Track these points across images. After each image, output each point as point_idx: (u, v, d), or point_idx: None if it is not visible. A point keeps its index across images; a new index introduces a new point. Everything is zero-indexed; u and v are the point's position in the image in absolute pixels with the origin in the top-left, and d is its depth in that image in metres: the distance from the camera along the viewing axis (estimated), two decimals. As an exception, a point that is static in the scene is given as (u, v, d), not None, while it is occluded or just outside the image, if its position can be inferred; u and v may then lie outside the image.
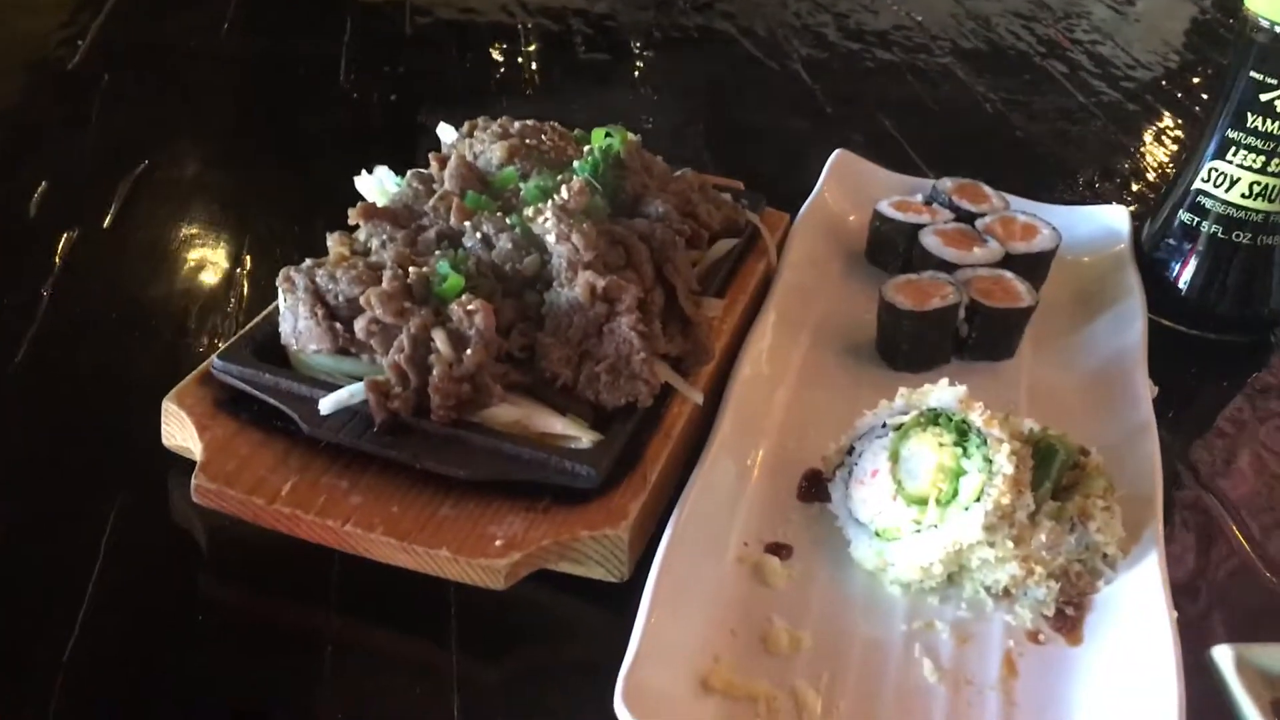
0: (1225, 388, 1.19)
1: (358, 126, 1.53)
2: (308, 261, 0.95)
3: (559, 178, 1.05)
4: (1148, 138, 1.73)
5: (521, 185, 1.05)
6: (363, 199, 1.12)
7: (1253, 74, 1.12)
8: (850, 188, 1.34)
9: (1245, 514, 1.00)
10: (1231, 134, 1.15)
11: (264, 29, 1.83)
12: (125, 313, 1.12)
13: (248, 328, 0.97)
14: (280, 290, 0.94)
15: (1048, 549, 0.83)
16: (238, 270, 1.20)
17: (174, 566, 0.86)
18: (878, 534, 0.86)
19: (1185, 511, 0.99)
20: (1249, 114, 1.13)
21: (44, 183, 1.31)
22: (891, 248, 1.23)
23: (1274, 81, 1.10)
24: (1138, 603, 0.82)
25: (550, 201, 0.97)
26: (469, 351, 0.88)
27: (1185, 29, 2.20)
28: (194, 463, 0.86)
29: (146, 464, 0.92)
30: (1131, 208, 1.45)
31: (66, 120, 1.48)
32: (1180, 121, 1.79)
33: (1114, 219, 1.30)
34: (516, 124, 1.17)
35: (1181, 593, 0.86)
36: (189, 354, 0.97)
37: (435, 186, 1.06)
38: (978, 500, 0.81)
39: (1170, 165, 1.62)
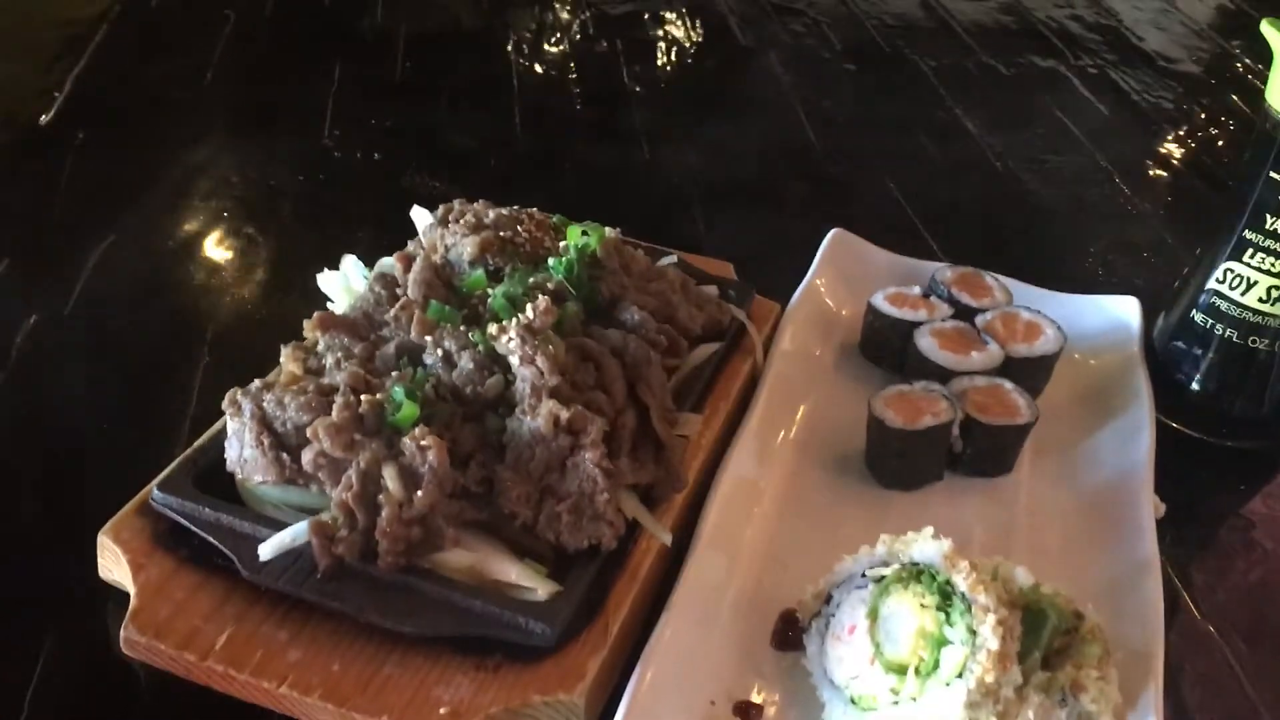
0: (1237, 498, 1.12)
1: (338, 193, 1.47)
2: (256, 383, 0.90)
3: (530, 280, 1.00)
4: (1168, 205, 1.66)
5: (490, 290, 0.99)
6: (326, 298, 1.07)
7: (1273, 174, 1.05)
8: (846, 272, 1.27)
9: (1256, 662, 0.93)
10: (1249, 234, 1.08)
11: (248, 76, 1.78)
12: (74, 416, 1.07)
13: (191, 450, 0.92)
14: (227, 414, 0.89)
15: (1036, 724, 0.77)
16: (199, 366, 1.15)
17: (106, 717, 0.81)
18: (854, 701, 0.80)
19: (1188, 658, 0.93)
20: (1268, 215, 1.06)
21: (5, 259, 1.27)
22: (886, 345, 1.17)
23: (1295, 184, 1.03)
24: (1133, 781, 0.76)
25: (515, 319, 0.91)
26: (420, 492, 0.82)
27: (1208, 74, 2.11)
28: (129, 599, 0.81)
29: (80, 597, 0.87)
30: (1149, 284, 1.39)
31: (35, 185, 1.42)
32: (1203, 185, 1.71)
33: (1124, 311, 1.23)
34: (492, 212, 1.11)
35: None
36: (137, 473, 0.91)
37: (399, 291, 1.01)
38: (960, 676, 0.75)
39: (1189, 235, 1.54)
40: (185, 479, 0.88)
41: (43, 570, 0.92)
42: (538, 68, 1.90)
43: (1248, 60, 2.12)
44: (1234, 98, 1.99)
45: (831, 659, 0.82)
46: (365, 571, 0.82)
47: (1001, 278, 1.23)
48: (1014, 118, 1.85)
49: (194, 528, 0.85)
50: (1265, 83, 1.05)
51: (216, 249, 1.34)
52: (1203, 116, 1.92)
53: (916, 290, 1.20)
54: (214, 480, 0.89)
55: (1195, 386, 1.16)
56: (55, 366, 1.13)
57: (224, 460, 0.89)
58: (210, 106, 1.67)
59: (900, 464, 1.03)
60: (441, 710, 0.76)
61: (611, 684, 0.82)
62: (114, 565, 0.86)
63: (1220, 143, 1.84)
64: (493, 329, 0.91)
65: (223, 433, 0.91)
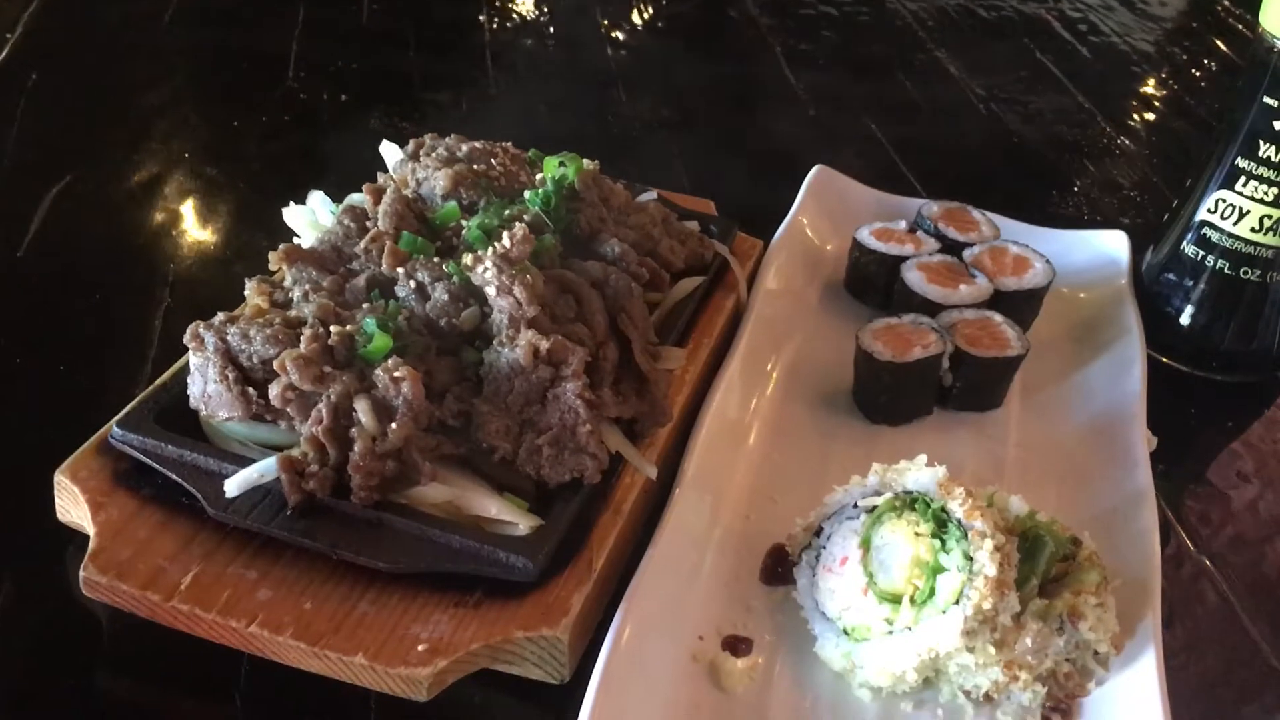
0: (1229, 432, 1.11)
1: (303, 134, 1.42)
2: (219, 316, 0.85)
3: (506, 213, 0.96)
4: (1151, 142, 1.63)
5: (464, 223, 0.95)
6: (292, 235, 1.03)
7: (1266, 99, 1.02)
8: (830, 209, 1.24)
9: (1250, 589, 0.91)
10: (1241, 163, 1.05)
11: (209, 19, 1.71)
12: (32, 358, 1.03)
13: (152, 388, 0.87)
14: (189, 349, 0.85)
15: (1034, 652, 0.75)
16: (162, 306, 1.10)
17: (66, 662, 0.78)
18: (846, 632, 0.77)
19: (1184, 588, 0.91)
20: (1261, 142, 1.03)
21: (-44, 201, 1.22)
22: (872, 281, 1.14)
23: (1290, 109, 1.00)
24: (1132, 709, 0.75)
25: (491, 249, 0.87)
26: (394, 425, 0.79)
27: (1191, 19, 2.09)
28: (90, 539, 0.77)
29: (40, 540, 0.83)
30: (1135, 222, 1.37)
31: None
32: (1187, 124, 1.69)
33: (1113, 246, 1.21)
34: (465, 146, 1.07)
35: (1179, 689, 0.78)
36: (95, 416, 0.87)
37: (369, 224, 0.97)
38: (956, 603, 0.73)
39: (1174, 173, 1.52)
40: (146, 416, 0.84)
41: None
42: (509, 8, 1.84)
43: (1227, 3, 2.10)
44: (1216, 41, 1.96)
45: (823, 591, 0.80)
46: (337, 508, 0.79)
47: (989, 213, 1.20)
48: (996, 61, 1.82)
49: (156, 465, 0.81)
50: (1249, 23, 1.02)
51: (177, 190, 1.29)
52: (1184, 58, 1.90)
53: (902, 225, 1.17)
54: (177, 418, 0.84)
55: (1185, 321, 1.13)
56: (8, 310, 1.08)
57: (187, 397, 0.85)
58: (169, 49, 1.61)
59: (889, 399, 1.00)
60: (420, 647, 0.73)
61: (596, 620, 0.79)
62: (72, 505, 0.82)
63: (1203, 84, 1.82)
64: (468, 259, 0.87)
65: (185, 369, 0.86)
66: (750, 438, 0.98)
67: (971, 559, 0.73)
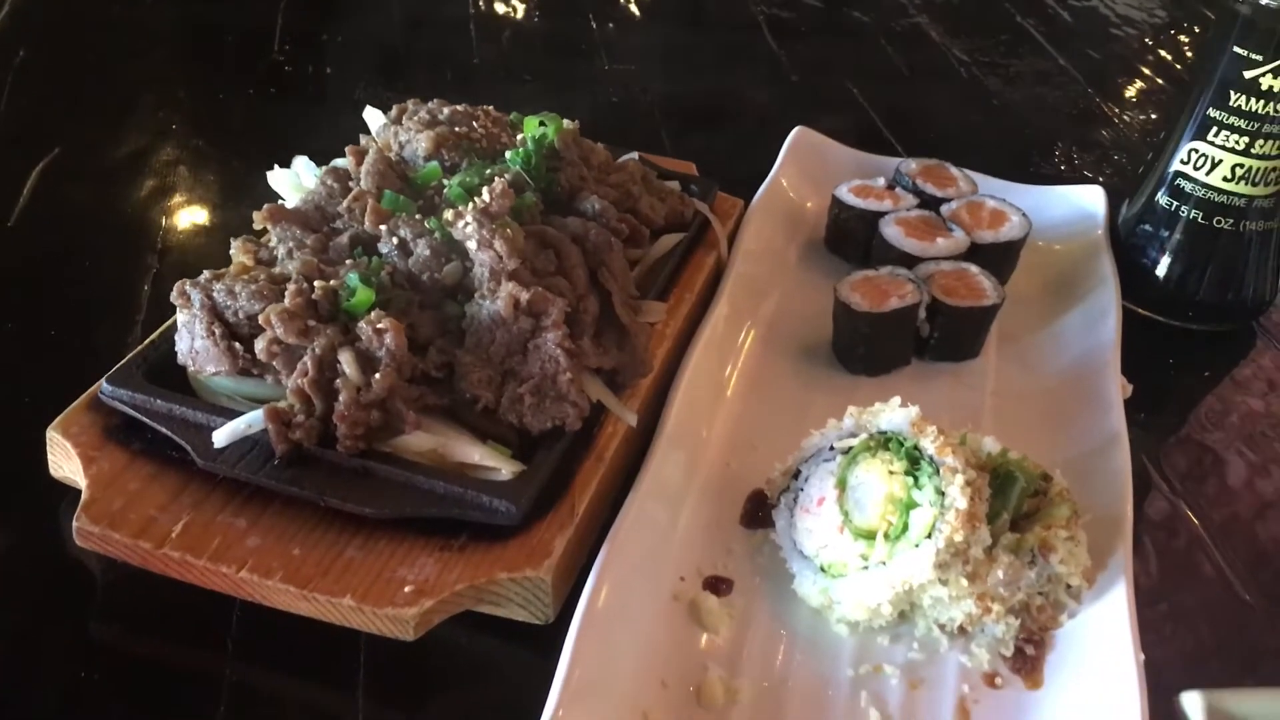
0: (1203, 381, 1.12)
1: (289, 105, 1.44)
2: (205, 274, 0.87)
3: (487, 172, 0.97)
4: (1129, 103, 1.65)
5: (446, 182, 0.97)
6: (278, 196, 1.04)
7: (1236, 49, 1.03)
8: (810, 169, 1.25)
9: (1222, 531, 0.93)
10: (1213, 113, 1.07)
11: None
12: (22, 322, 1.04)
13: (142, 346, 0.89)
14: (176, 306, 0.86)
15: (1006, 585, 0.77)
16: (150, 272, 1.12)
17: (60, 612, 0.80)
18: (823, 569, 0.79)
19: (1157, 529, 0.93)
20: (1231, 92, 1.05)
21: (-53, 174, 1.23)
22: (851, 237, 1.15)
23: (1259, 58, 1.02)
24: (1103, 641, 0.76)
25: (472, 204, 0.89)
26: (378, 375, 0.80)
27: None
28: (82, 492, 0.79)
29: (33, 496, 0.85)
30: (1112, 180, 1.38)
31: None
32: (1164, 84, 1.70)
33: (1089, 200, 1.22)
34: (447, 109, 1.08)
35: (1151, 624, 0.80)
36: (88, 369, 0.89)
37: (352, 184, 0.98)
38: (929, 537, 0.74)
39: (1155, 134, 1.54)
40: (135, 372, 0.85)
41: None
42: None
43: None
44: (1195, 3, 1.97)
45: (800, 531, 0.82)
46: (324, 457, 0.81)
47: (967, 171, 1.21)
48: (976, 25, 1.83)
49: (146, 419, 0.83)
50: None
51: (164, 161, 1.31)
52: (1165, 19, 1.91)
53: (881, 182, 1.18)
54: (166, 374, 0.86)
55: (1161, 272, 1.15)
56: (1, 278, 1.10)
57: (175, 354, 0.87)
58: (153, 25, 1.62)
59: (867, 350, 1.02)
60: (406, 589, 0.74)
61: (579, 564, 0.81)
62: (64, 461, 0.83)
63: (1184, 46, 1.83)
64: (449, 215, 0.89)
65: (173, 328, 0.88)
66: (730, 389, 0.99)
67: (943, 494, 0.75)
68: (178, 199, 1.25)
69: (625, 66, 1.61)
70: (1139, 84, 1.71)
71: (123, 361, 0.87)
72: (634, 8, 1.83)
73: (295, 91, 1.47)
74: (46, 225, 1.18)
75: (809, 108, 1.54)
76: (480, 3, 1.77)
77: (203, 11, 1.68)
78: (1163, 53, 1.81)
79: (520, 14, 1.76)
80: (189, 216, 1.23)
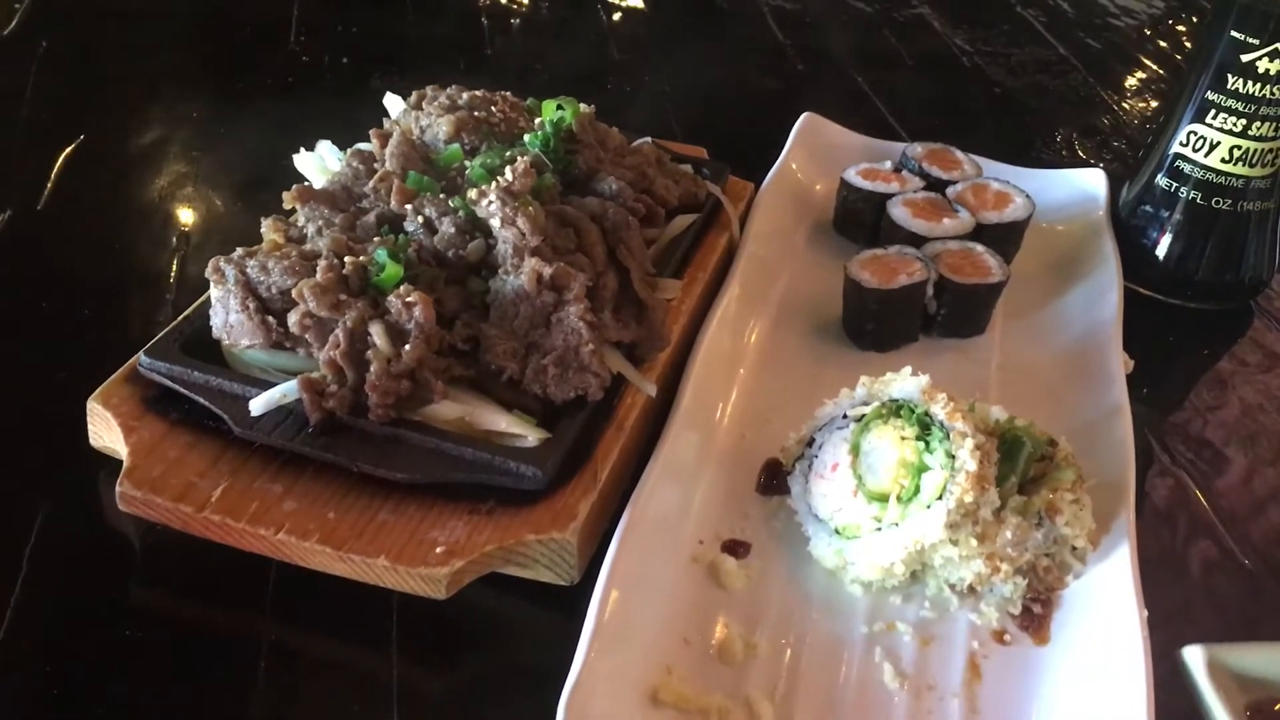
0: (1203, 358, 1.15)
1: (306, 94, 1.47)
2: (238, 251, 0.90)
3: (507, 154, 1.00)
4: (1129, 91, 1.68)
5: (467, 164, 1.00)
6: (302, 178, 1.07)
7: (1233, 33, 1.06)
8: (818, 154, 1.28)
9: (1223, 499, 0.96)
10: (1211, 96, 1.10)
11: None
12: (56, 303, 1.07)
13: (178, 320, 0.92)
14: (210, 282, 0.89)
15: (1014, 545, 0.80)
16: (177, 255, 1.15)
17: (103, 576, 0.82)
18: (838, 531, 0.82)
19: (1160, 496, 0.96)
20: (1229, 75, 1.08)
21: (-25, 161, 1.26)
22: (859, 218, 1.18)
23: (1255, 41, 1.05)
24: (1108, 599, 0.79)
25: (495, 183, 0.92)
26: (408, 346, 0.83)
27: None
28: (122, 464, 0.82)
29: (74, 466, 0.88)
30: (1112, 166, 1.41)
31: (1, 91, 1.41)
32: (1163, 72, 1.73)
33: (1091, 183, 1.26)
34: (465, 94, 1.11)
35: (1154, 586, 0.83)
36: (122, 347, 0.92)
37: (376, 166, 1.01)
38: (940, 498, 0.78)
39: (1154, 120, 1.57)
40: (172, 345, 0.88)
41: (34, 445, 0.92)
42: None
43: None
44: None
45: (815, 496, 0.85)
46: (356, 425, 0.84)
47: (972, 155, 1.24)
48: (978, 14, 1.86)
49: (183, 390, 0.86)
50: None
51: (186, 147, 1.34)
52: (1163, 8, 1.94)
53: (888, 165, 1.21)
54: (200, 348, 0.89)
55: (1161, 252, 1.18)
56: (31, 259, 1.13)
57: (209, 328, 0.90)
58: (173, 16, 1.64)
59: (876, 325, 1.05)
60: (437, 549, 0.78)
61: (601, 529, 0.84)
62: (105, 430, 0.86)
63: (1182, 34, 1.86)
64: (472, 193, 0.92)
65: (207, 304, 0.91)
66: (744, 365, 1.02)
67: (954, 457, 0.78)
68: (200, 184, 1.28)
69: (635, 56, 1.64)
70: (1138, 72, 1.74)
71: (159, 335, 0.90)
72: (643, 1, 1.86)
73: (312, 81, 1.50)
74: (74, 210, 1.21)
75: (815, 95, 1.57)
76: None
77: (220, 3, 1.71)
78: (1161, 42, 1.84)
79: (532, 5, 1.78)
80: (211, 200, 1.25)
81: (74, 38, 1.54)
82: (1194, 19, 1.92)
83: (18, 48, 1.50)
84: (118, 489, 0.80)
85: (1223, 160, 1.11)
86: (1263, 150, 1.09)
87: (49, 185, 1.23)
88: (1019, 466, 0.82)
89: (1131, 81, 1.71)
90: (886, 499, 0.80)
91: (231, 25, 1.65)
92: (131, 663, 0.76)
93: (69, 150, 1.29)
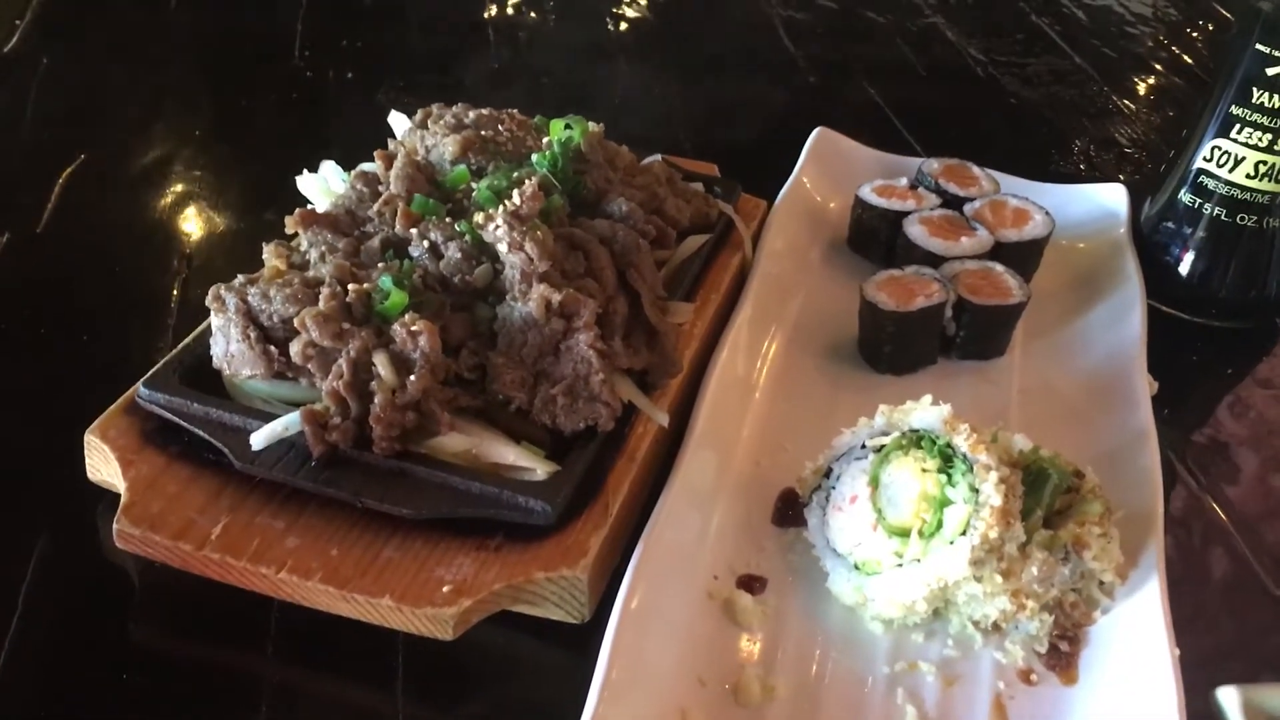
0: (1229, 378, 1.13)
1: (311, 111, 1.45)
2: (240, 278, 0.88)
3: (515, 175, 0.98)
4: (1146, 101, 1.65)
5: (474, 185, 0.97)
6: (306, 201, 1.05)
7: (1258, 46, 1.04)
8: (831, 170, 1.26)
9: (1253, 527, 0.93)
10: (1235, 110, 1.07)
11: (210, 1, 1.73)
12: (55, 328, 1.05)
13: (177, 350, 0.90)
14: (211, 310, 0.87)
15: (1040, 581, 0.77)
16: (179, 278, 1.12)
17: (100, 615, 0.80)
18: (857, 567, 0.80)
19: (1189, 526, 0.93)
20: (1254, 89, 1.05)
21: (-26, 183, 1.24)
22: (874, 236, 1.16)
23: (1282, 55, 1.02)
24: (1137, 637, 0.76)
25: (502, 207, 0.89)
26: (413, 376, 0.81)
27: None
28: (120, 499, 0.80)
29: (72, 500, 0.86)
30: (1131, 178, 1.38)
31: (1, 110, 1.39)
32: (1180, 81, 1.70)
33: (1111, 199, 1.23)
34: (472, 113, 1.09)
35: (1185, 622, 0.80)
36: (122, 374, 0.90)
37: (381, 188, 0.99)
38: (963, 534, 0.75)
39: (1172, 131, 1.54)
40: (172, 376, 0.86)
41: (30, 478, 0.90)
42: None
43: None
44: (1212, 1, 1.97)
45: (833, 529, 0.82)
46: (360, 459, 0.81)
47: (989, 170, 1.22)
48: (991, 24, 1.83)
49: (183, 423, 0.83)
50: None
51: (188, 167, 1.32)
52: (1179, 18, 1.91)
53: (903, 182, 1.19)
54: (201, 378, 0.87)
55: (1184, 269, 1.15)
56: (30, 283, 1.11)
57: (209, 358, 0.87)
58: (175, 31, 1.63)
59: (894, 348, 1.02)
60: (445, 588, 0.75)
61: (613, 563, 0.81)
62: (102, 464, 0.84)
63: (1199, 43, 1.83)
64: (479, 218, 0.90)
65: (207, 332, 0.89)
66: (759, 389, 1.00)
67: (977, 491, 0.75)
68: (203, 204, 1.26)
69: (643, 69, 1.61)
70: (1155, 81, 1.71)
71: (158, 365, 0.88)
72: (650, 13, 1.83)
73: (316, 97, 1.48)
74: (74, 232, 1.19)
75: (828, 108, 1.54)
76: (496, 7, 1.77)
77: (223, 18, 1.69)
78: (1176, 50, 1.81)
79: (538, 18, 1.76)
80: (214, 222, 1.23)
81: (75, 54, 1.52)
82: (1209, 26, 1.89)
83: (18, 64, 1.48)
84: (115, 526, 0.78)
85: (1248, 176, 1.08)
86: (1289, 166, 1.06)
87: (49, 206, 1.21)
88: (1044, 500, 0.79)
89: (1148, 91, 1.68)
90: (907, 534, 0.77)
91: (235, 40, 1.63)
92: (129, 705, 0.74)
93: (69, 170, 1.27)
